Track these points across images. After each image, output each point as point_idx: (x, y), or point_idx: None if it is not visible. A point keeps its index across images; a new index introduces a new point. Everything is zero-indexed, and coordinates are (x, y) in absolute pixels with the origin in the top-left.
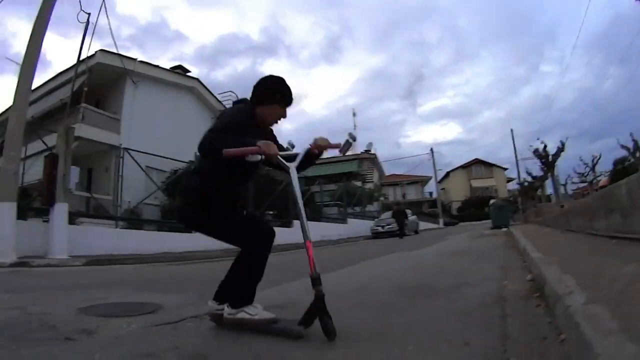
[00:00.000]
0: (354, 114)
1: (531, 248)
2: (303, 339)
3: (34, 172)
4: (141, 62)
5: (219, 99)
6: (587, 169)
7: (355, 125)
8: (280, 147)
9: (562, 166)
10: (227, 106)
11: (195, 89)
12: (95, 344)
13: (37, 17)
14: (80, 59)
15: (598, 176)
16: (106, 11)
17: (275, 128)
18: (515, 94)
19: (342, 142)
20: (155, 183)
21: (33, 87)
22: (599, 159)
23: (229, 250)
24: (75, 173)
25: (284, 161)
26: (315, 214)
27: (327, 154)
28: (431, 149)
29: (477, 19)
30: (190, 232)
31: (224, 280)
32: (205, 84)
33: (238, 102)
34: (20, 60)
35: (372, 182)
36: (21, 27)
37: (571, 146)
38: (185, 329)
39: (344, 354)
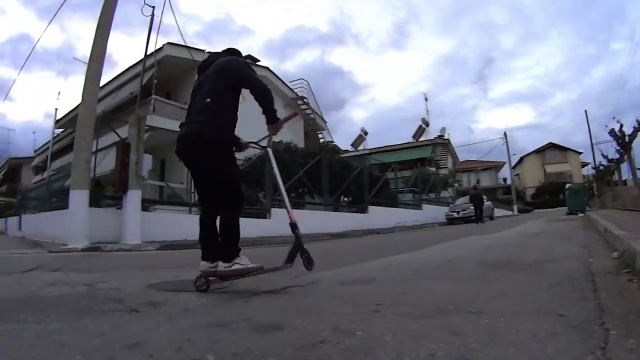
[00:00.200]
0: (426, 99)
1: (614, 227)
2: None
3: (107, 163)
4: (210, 52)
5: (290, 87)
6: None
7: (427, 111)
8: None
9: (639, 149)
10: (299, 94)
11: (265, 78)
12: (162, 314)
13: (101, 14)
14: (148, 52)
15: None
16: (171, 6)
17: (349, 115)
18: (587, 75)
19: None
20: None
21: (102, 84)
22: None
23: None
24: (147, 160)
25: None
26: (391, 200)
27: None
28: (504, 133)
29: None
30: (264, 218)
31: (205, 243)
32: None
33: (246, 57)
34: (87, 60)
35: (447, 167)
36: (87, 30)
37: None
38: (258, 301)
39: (430, 324)
